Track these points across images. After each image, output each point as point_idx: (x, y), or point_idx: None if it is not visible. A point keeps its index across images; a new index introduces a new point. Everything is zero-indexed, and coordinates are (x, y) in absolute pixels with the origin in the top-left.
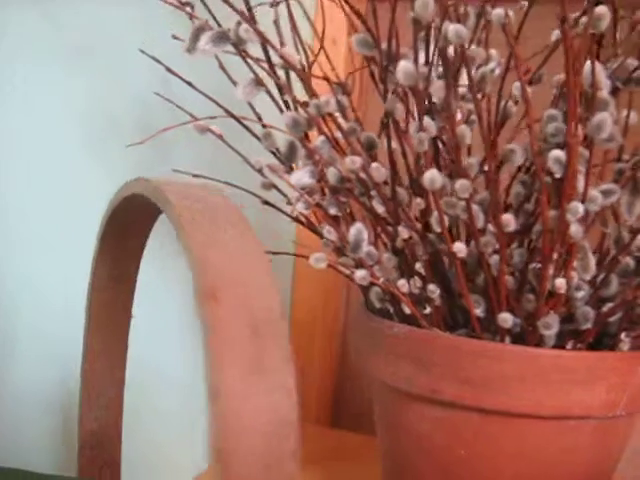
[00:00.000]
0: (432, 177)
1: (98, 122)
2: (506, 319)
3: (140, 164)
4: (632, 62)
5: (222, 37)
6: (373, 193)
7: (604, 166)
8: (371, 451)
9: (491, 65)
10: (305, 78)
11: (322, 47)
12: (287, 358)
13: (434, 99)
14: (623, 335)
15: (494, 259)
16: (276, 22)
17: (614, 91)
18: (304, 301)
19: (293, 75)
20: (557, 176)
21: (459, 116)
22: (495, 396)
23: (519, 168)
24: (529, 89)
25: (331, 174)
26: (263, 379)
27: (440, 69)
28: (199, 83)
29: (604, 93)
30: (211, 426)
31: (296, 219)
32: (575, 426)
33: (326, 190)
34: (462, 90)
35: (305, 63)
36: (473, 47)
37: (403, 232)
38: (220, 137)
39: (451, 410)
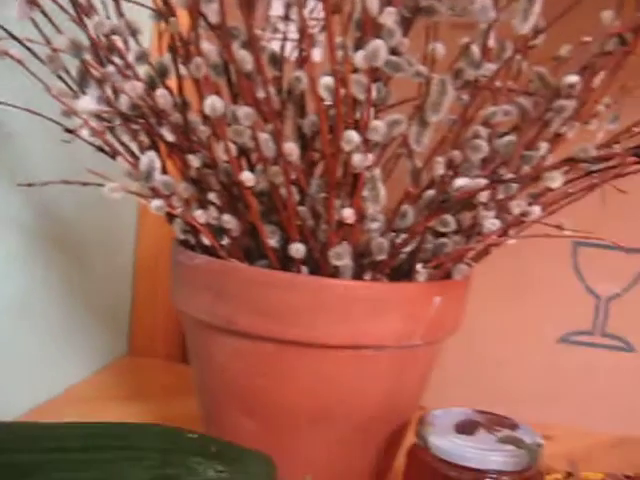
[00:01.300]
0: (212, 104)
1: None
2: (298, 249)
3: None
4: None
5: None
6: (164, 121)
7: (416, 99)
8: None
9: None
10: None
11: None
12: None
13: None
14: (419, 266)
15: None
16: None
17: (406, 20)
18: (149, 236)
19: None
20: (328, 103)
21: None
22: (288, 326)
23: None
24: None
25: (122, 101)
26: None
27: None
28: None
29: (387, 21)
30: None
31: (99, 148)
32: (371, 356)
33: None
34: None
35: None
36: None
37: (194, 161)
38: (19, 62)
39: (247, 341)
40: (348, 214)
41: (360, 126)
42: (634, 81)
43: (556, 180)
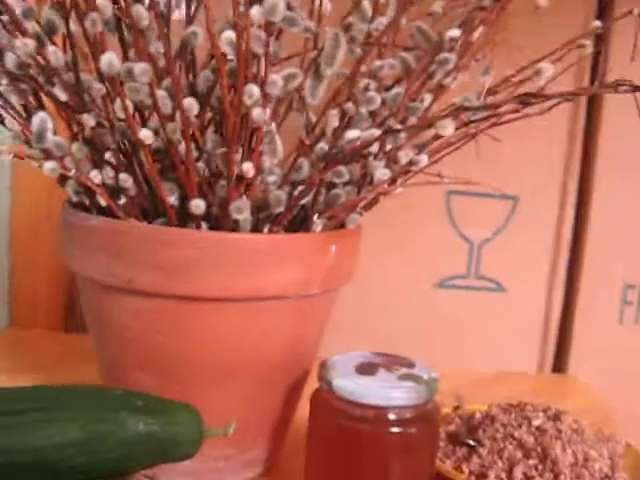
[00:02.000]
0: (109, 60)
1: None
2: (198, 205)
3: None
4: None
5: None
6: (56, 80)
7: (304, 54)
8: None
9: None
10: None
11: None
12: None
13: None
14: (315, 217)
15: (184, 146)
16: None
17: None
18: (25, 203)
19: None
20: (230, 57)
21: None
22: (190, 282)
23: (212, 55)
24: None
25: (9, 59)
26: None
27: None
28: None
29: None
30: None
31: None
32: (272, 307)
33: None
34: None
35: None
36: None
37: (89, 120)
38: None
39: (148, 299)
40: (248, 168)
41: (258, 80)
42: (503, 35)
43: (447, 128)
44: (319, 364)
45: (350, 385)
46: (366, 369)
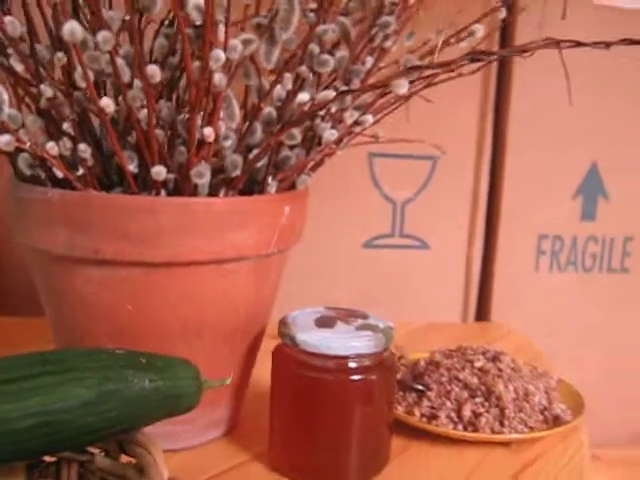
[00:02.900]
0: (71, 29)
1: None
2: (159, 172)
3: None
4: None
5: None
6: (10, 51)
7: (244, 21)
8: (42, 331)
9: None
10: None
11: None
12: None
13: None
14: (269, 179)
15: (143, 113)
16: None
17: None
18: None
19: None
20: (197, 23)
21: None
22: (154, 248)
23: (162, 22)
24: None
25: None
26: None
27: None
28: None
29: None
30: None
31: None
32: (233, 268)
33: None
34: None
35: None
36: None
37: (46, 91)
38: None
39: (114, 268)
40: (209, 133)
41: (218, 46)
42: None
43: (403, 87)
44: (279, 321)
45: (312, 338)
46: (325, 322)
